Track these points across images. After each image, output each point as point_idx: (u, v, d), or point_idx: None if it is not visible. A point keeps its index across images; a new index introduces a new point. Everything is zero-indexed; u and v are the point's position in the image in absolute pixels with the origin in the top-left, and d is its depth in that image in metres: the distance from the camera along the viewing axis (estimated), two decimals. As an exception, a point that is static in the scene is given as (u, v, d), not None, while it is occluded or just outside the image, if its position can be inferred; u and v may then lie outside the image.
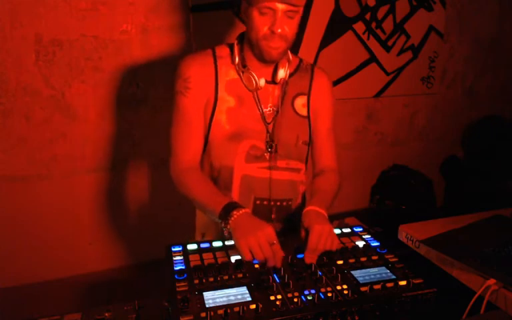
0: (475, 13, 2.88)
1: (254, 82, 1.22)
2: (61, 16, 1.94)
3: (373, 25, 2.56)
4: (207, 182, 1.25)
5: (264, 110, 1.27)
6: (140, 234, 2.30)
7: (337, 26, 2.45)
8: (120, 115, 2.14)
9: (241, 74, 1.24)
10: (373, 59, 2.63)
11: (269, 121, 1.28)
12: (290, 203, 1.35)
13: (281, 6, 1.10)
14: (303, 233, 1.12)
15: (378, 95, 2.72)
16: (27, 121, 2.01)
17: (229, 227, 1.08)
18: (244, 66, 1.23)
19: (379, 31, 2.59)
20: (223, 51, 1.28)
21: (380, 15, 2.56)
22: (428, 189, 2.83)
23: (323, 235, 1.07)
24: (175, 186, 1.27)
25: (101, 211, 2.23)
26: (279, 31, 1.12)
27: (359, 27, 2.52)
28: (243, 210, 1.09)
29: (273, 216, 1.32)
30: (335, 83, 2.56)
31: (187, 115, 1.24)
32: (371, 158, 2.83)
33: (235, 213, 1.08)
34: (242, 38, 1.27)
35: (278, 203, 1.32)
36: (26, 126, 2.01)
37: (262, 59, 1.20)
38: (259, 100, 1.26)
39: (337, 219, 2.48)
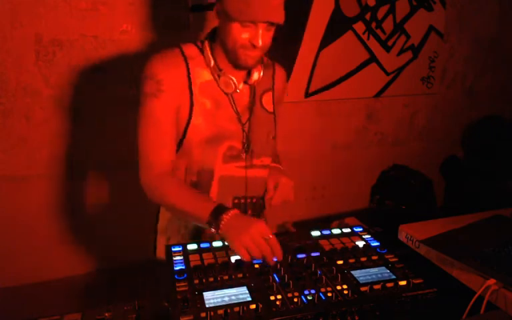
0: (474, 12, 2.87)
1: (233, 85, 1.21)
2: (61, 16, 1.94)
3: (373, 24, 2.56)
4: (186, 187, 1.22)
5: (238, 110, 1.27)
6: (141, 233, 2.30)
7: (337, 26, 2.45)
8: (120, 115, 2.14)
9: (217, 77, 1.22)
10: (372, 59, 2.63)
11: (243, 122, 1.28)
12: (261, 198, 1.38)
13: (262, 23, 1.11)
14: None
15: (378, 95, 2.72)
16: (27, 121, 2.01)
17: (220, 232, 1.07)
18: (220, 69, 1.22)
19: (378, 31, 2.59)
20: (191, 50, 1.25)
21: (380, 14, 2.56)
22: (428, 189, 2.83)
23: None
24: (147, 194, 1.23)
25: (100, 210, 2.22)
26: (260, 43, 1.12)
27: (359, 26, 2.52)
28: (232, 211, 1.08)
29: (249, 212, 1.35)
30: (335, 83, 2.56)
31: (158, 119, 1.20)
32: (370, 158, 2.83)
33: (224, 216, 1.07)
34: (211, 38, 1.25)
35: (254, 200, 1.35)
36: (26, 126, 2.01)
37: (236, 64, 1.20)
38: (234, 101, 1.26)
39: (337, 219, 2.48)
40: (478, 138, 3.06)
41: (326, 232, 1.26)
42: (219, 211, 1.09)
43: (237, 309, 0.89)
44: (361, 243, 1.19)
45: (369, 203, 2.87)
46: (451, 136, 3.07)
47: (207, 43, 1.24)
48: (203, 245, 1.14)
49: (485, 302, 1.06)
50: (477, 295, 1.07)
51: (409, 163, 2.85)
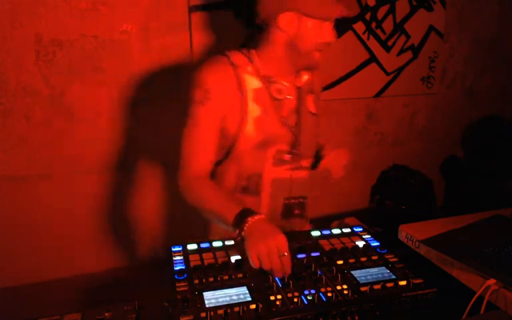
0: (475, 12, 2.87)
1: (285, 92, 1.27)
2: (61, 16, 1.94)
3: (373, 24, 2.56)
4: (218, 190, 1.24)
5: (286, 114, 1.31)
6: (140, 234, 2.30)
7: (336, 26, 2.45)
8: (120, 114, 2.14)
9: (268, 84, 1.26)
10: (373, 59, 2.63)
11: (292, 125, 1.31)
12: (307, 198, 1.43)
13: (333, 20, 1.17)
14: None
15: (378, 95, 2.72)
16: (27, 121, 2.01)
17: (243, 233, 1.06)
18: (269, 76, 1.26)
19: (378, 31, 2.59)
20: (237, 58, 1.27)
21: (380, 15, 2.56)
22: (428, 189, 2.82)
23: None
24: (184, 196, 1.25)
25: (101, 211, 2.22)
26: (335, 39, 1.19)
27: (359, 27, 2.52)
28: (258, 216, 1.07)
29: (296, 211, 1.39)
30: (335, 83, 2.56)
31: (203, 126, 1.24)
32: (370, 158, 2.83)
33: (249, 219, 1.06)
34: (253, 46, 1.29)
35: (300, 200, 1.39)
36: (26, 126, 2.01)
37: (305, 67, 1.26)
38: (282, 106, 1.30)
39: (337, 218, 2.48)
40: (478, 138, 3.06)
41: (326, 232, 1.26)
42: (245, 213, 1.08)
43: (237, 308, 0.89)
44: (360, 243, 1.19)
45: (368, 203, 2.87)
46: (451, 136, 3.07)
47: (254, 51, 1.28)
48: (203, 245, 1.15)
49: (484, 302, 1.06)
50: (476, 295, 1.07)
51: (409, 163, 2.85)
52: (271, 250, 1.00)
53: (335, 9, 1.17)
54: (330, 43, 1.20)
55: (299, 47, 1.21)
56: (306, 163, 1.38)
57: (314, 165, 1.46)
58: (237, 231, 1.07)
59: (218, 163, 1.32)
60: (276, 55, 1.24)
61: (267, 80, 1.26)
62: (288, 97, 1.28)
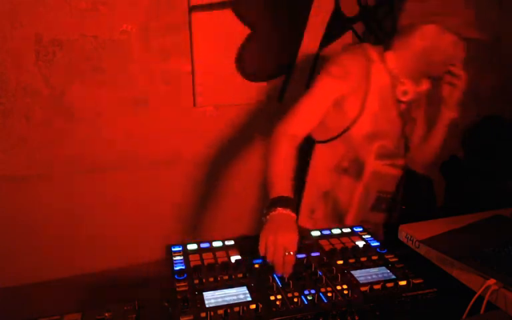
0: (474, 12, 2.87)
1: (410, 95, 1.36)
2: (61, 16, 1.94)
3: (373, 25, 2.56)
4: (289, 165, 1.26)
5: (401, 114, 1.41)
6: (140, 234, 2.30)
7: (336, 26, 2.45)
8: (120, 114, 2.14)
9: (395, 84, 1.36)
10: (372, 59, 2.62)
11: (403, 125, 1.42)
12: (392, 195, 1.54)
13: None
14: None
15: (378, 95, 2.72)
16: (27, 121, 2.01)
17: (267, 217, 1.10)
18: (398, 77, 1.36)
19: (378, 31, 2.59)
20: (372, 53, 1.37)
21: (380, 14, 2.56)
22: (428, 189, 2.82)
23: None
24: (270, 142, 1.30)
25: (100, 210, 2.22)
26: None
27: (359, 26, 2.52)
28: (288, 211, 1.10)
29: (383, 206, 1.51)
30: (335, 83, 2.56)
31: (322, 96, 1.33)
32: (371, 158, 2.83)
33: (279, 209, 1.10)
34: (386, 47, 1.38)
35: (388, 195, 1.51)
36: (26, 126, 2.01)
37: (430, 75, 1.37)
38: (401, 107, 1.40)
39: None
40: (478, 138, 3.06)
41: (326, 232, 1.26)
42: (281, 202, 1.11)
43: (237, 309, 0.89)
44: (360, 243, 1.19)
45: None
46: (451, 136, 3.06)
47: (389, 52, 1.37)
48: (202, 245, 1.15)
49: (484, 302, 1.06)
50: (476, 295, 1.07)
51: (409, 163, 2.85)
52: (278, 243, 1.02)
53: (477, 31, 1.30)
54: (461, 60, 1.32)
55: (432, 58, 1.30)
56: (402, 161, 1.49)
57: (425, 165, 1.60)
58: (265, 211, 1.12)
59: (326, 140, 1.42)
60: (409, 58, 1.33)
61: (395, 80, 1.35)
62: (411, 100, 1.37)
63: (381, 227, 1.54)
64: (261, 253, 1.04)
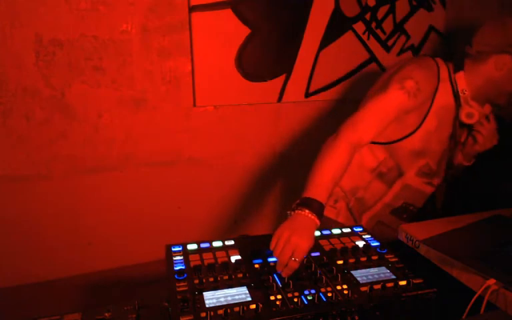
0: (475, 12, 2.87)
1: (476, 118, 1.35)
2: (61, 16, 1.94)
3: (373, 24, 2.56)
4: (340, 171, 1.24)
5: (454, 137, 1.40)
6: (140, 234, 2.30)
7: (336, 26, 2.45)
8: (120, 114, 2.14)
9: (463, 106, 1.35)
10: (372, 58, 2.62)
11: (453, 146, 1.42)
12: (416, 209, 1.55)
13: None
14: None
15: (378, 95, 2.72)
16: (27, 121, 2.01)
17: (290, 213, 1.11)
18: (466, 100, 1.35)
19: (378, 31, 2.59)
20: (444, 73, 1.36)
21: (380, 14, 2.56)
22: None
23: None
24: (327, 140, 1.29)
25: (100, 210, 2.22)
26: None
27: (359, 26, 2.52)
28: (314, 217, 1.10)
29: (404, 216, 1.52)
30: (335, 83, 2.56)
31: (390, 109, 1.31)
32: (371, 158, 2.83)
33: (306, 210, 1.09)
34: (458, 66, 1.37)
35: (411, 208, 1.51)
36: (26, 126, 2.01)
37: (493, 102, 1.36)
38: (456, 130, 1.39)
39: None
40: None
41: (326, 232, 1.26)
42: (310, 204, 1.11)
43: (237, 309, 0.89)
44: (361, 243, 1.19)
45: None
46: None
47: (462, 73, 1.35)
48: (202, 245, 1.15)
49: (484, 302, 1.06)
50: (476, 295, 1.07)
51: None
52: (288, 244, 1.02)
53: None
54: None
55: (503, 87, 1.31)
56: (439, 181, 1.49)
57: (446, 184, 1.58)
58: (293, 207, 1.12)
59: (374, 142, 1.40)
60: (478, 83, 1.33)
61: (462, 102, 1.34)
62: (475, 122, 1.36)
63: (393, 230, 1.54)
64: (272, 245, 1.05)
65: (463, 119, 1.37)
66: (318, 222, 1.11)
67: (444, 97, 1.34)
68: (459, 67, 1.37)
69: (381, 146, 1.42)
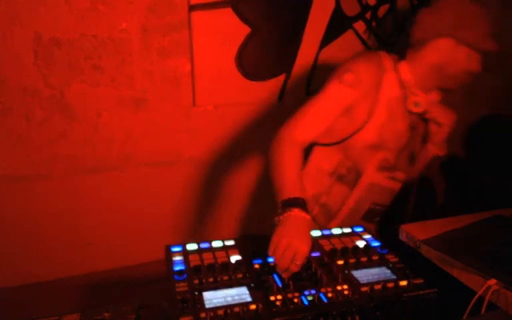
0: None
1: (422, 107, 1.33)
2: (61, 15, 1.93)
3: (374, 24, 2.56)
4: (297, 166, 1.24)
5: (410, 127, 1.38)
6: (140, 234, 2.30)
7: (337, 25, 2.45)
8: (119, 114, 2.14)
9: (406, 95, 1.33)
10: (373, 58, 2.62)
11: (411, 138, 1.39)
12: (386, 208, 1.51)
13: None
14: None
15: (378, 94, 2.72)
16: (27, 121, 2.00)
17: (280, 217, 1.08)
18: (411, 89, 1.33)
19: (379, 31, 2.59)
20: (387, 63, 1.34)
21: (380, 14, 2.56)
22: (428, 189, 2.82)
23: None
24: (273, 146, 1.27)
25: (100, 210, 2.22)
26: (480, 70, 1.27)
27: (360, 26, 2.52)
28: (304, 213, 1.09)
29: (377, 219, 1.49)
30: (335, 83, 2.56)
31: (332, 103, 1.29)
32: (371, 158, 2.83)
33: (294, 210, 1.08)
34: (401, 56, 1.35)
35: (383, 208, 1.48)
36: (26, 126, 2.01)
37: (441, 88, 1.34)
38: (411, 119, 1.37)
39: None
40: (478, 137, 3.06)
41: (326, 232, 1.26)
42: (296, 203, 1.10)
43: (237, 309, 0.88)
44: (361, 243, 1.19)
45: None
46: (451, 136, 3.06)
47: (404, 63, 1.34)
48: (202, 245, 1.14)
49: (485, 302, 1.06)
50: (477, 295, 1.07)
51: (409, 162, 2.85)
52: (288, 249, 1.01)
53: (492, 43, 1.27)
54: (476, 73, 1.28)
55: (446, 71, 1.29)
56: (402, 175, 1.44)
57: (419, 177, 1.54)
58: (279, 211, 1.10)
59: (327, 144, 1.38)
60: (423, 70, 1.31)
61: (405, 90, 1.32)
62: (424, 112, 1.34)
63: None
64: (270, 252, 1.03)
65: (411, 108, 1.34)
66: (308, 217, 1.10)
67: (390, 87, 1.32)
68: (401, 57, 1.36)
69: (335, 147, 1.38)
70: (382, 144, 1.35)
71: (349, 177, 1.40)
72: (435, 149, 1.44)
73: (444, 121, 1.39)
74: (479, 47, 1.26)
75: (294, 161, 1.24)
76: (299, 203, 1.10)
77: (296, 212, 1.08)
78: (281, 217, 1.08)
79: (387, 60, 1.35)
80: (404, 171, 1.46)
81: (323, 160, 1.41)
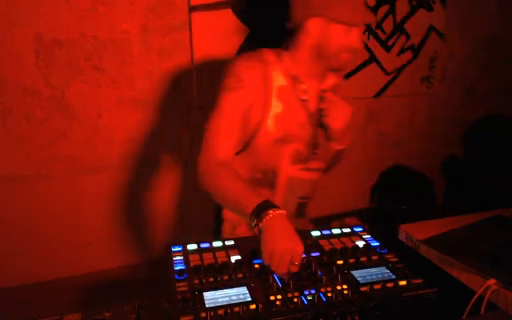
0: (475, 12, 2.87)
1: (311, 94, 1.31)
2: (61, 16, 1.94)
3: (373, 24, 2.56)
4: (239, 178, 1.22)
5: (309, 115, 1.34)
6: (140, 234, 2.31)
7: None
8: (119, 114, 2.14)
9: (294, 84, 1.30)
10: (372, 58, 2.62)
11: (313, 126, 1.35)
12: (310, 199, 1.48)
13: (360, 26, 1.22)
14: None
15: (378, 94, 2.72)
16: (27, 121, 2.01)
17: (261, 225, 1.04)
18: (297, 76, 1.30)
19: (378, 31, 2.59)
20: (269, 56, 1.32)
21: (380, 14, 2.56)
22: (428, 189, 2.82)
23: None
24: (202, 181, 1.23)
25: (100, 210, 2.23)
26: (361, 45, 1.23)
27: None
28: (279, 211, 1.06)
29: (306, 210, 1.46)
30: (335, 83, 2.56)
31: (231, 112, 1.25)
32: (371, 158, 2.83)
33: (270, 212, 1.05)
34: (284, 47, 1.33)
35: (307, 200, 1.45)
36: (26, 126, 2.01)
37: (333, 69, 1.30)
38: (307, 107, 1.33)
39: (337, 218, 2.48)
40: (478, 138, 3.06)
41: (326, 232, 1.26)
42: (267, 206, 1.07)
43: (237, 309, 0.89)
44: (361, 243, 1.19)
45: (368, 202, 2.87)
46: (451, 136, 3.07)
47: (287, 53, 1.32)
48: (202, 245, 1.14)
49: (485, 302, 1.06)
50: (477, 295, 1.07)
51: (409, 162, 2.85)
52: (285, 255, 0.99)
53: (364, 16, 1.23)
54: (356, 49, 1.24)
55: (325, 51, 1.25)
56: (319, 165, 1.41)
57: (327, 169, 1.49)
58: (255, 221, 1.05)
59: (237, 153, 1.32)
60: (304, 56, 1.29)
61: (293, 80, 1.30)
62: (310, 98, 1.31)
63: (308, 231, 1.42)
64: (266, 262, 1.01)
65: (301, 96, 1.31)
66: (284, 211, 1.07)
67: (278, 79, 1.29)
68: (283, 48, 1.34)
69: (244, 153, 1.34)
70: (287, 137, 1.31)
71: (266, 179, 1.36)
72: (333, 143, 1.38)
73: (335, 113, 1.34)
74: (350, 22, 1.21)
75: (234, 176, 1.20)
76: (268, 203, 1.08)
77: (271, 212, 1.05)
78: (261, 224, 1.04)
79: (269, 54, 1.32)
80: (317, 161, 1.41)
81: (238, 170, 1.32)
